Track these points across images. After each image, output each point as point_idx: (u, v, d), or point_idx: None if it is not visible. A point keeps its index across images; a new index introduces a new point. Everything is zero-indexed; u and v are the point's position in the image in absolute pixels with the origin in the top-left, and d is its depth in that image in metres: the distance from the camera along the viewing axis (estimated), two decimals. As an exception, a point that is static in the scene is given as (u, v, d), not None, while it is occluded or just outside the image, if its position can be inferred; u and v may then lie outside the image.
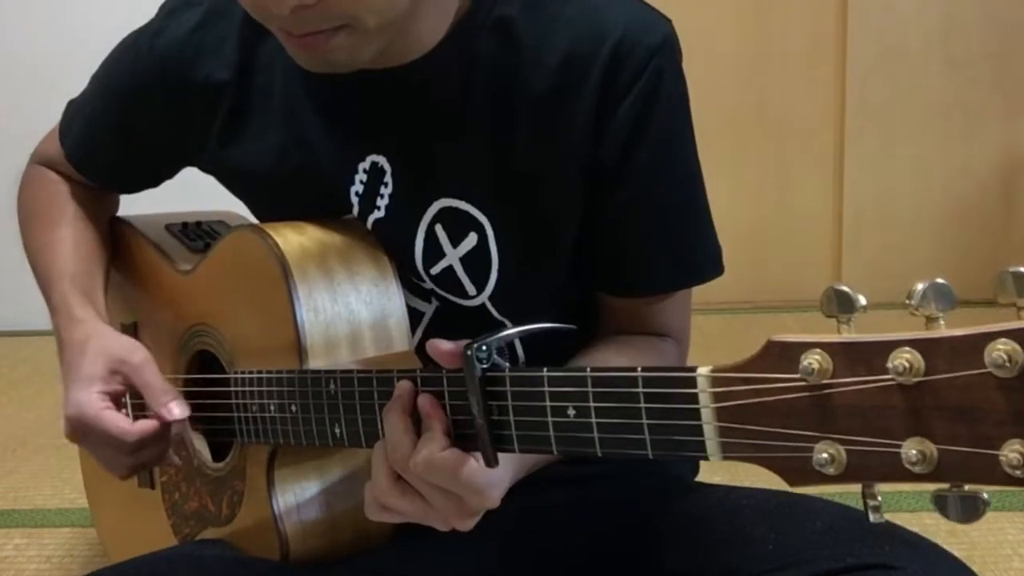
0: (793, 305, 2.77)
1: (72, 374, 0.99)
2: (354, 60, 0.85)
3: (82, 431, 0.98)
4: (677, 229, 0.96)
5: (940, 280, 0.53)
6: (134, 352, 0.99)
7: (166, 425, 0.97)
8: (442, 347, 0.76)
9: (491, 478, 0.76)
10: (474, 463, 0.74)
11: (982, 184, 2.78)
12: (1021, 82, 2.72)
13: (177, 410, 0.96)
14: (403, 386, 0.78)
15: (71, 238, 1.13)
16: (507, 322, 0.97)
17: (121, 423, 0.96)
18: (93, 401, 0.96)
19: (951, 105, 2.74)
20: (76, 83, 1.15)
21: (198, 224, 1.21)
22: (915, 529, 0.85)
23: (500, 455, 0.75)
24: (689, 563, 0.89)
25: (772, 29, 2.75)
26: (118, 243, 1.19)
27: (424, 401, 0.77)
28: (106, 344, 1.00)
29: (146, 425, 0.96)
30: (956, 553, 0.83)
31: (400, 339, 0.94)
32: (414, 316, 0.97)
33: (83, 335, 1.01)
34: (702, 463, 1.12)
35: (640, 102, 0.90)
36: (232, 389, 0.97)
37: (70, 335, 1.02)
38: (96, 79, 1.12)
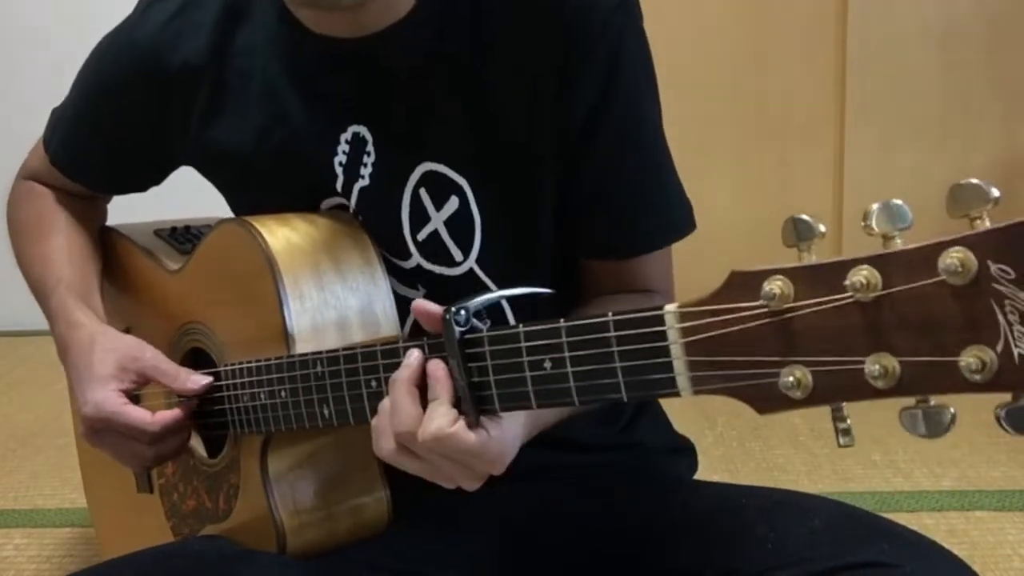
0: (793, 305, 2.77)
1: (83, 376, 0.99)
2: None
3: (102, 430, 0.98)
4: (651, 185, 0.98)
5: (895, 200, 0.55)
6: (142, 348, 1.00)
7: (184, 415, 0.98)
8: (427, 307, 0.77)
9: (501, 448, 0.77)
10: (484, 435, 0.75)
11: (982, 185, 2.78)
12: (1020, 82, 2.72)
13: (201, 380, 0.98)
14: (413, 355, 0.78)
15: (63, 246, 1.13)
16: (494, 287, 0.98)
17: (143, 415, 0.96)
18: (111, 398, 0.97)
19: (951, 105, 2.74)
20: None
21: (187, 228, 1.22)
22: (914, 529, 0.85)
23: (508, 419, 0.76)
24: (689, 562, 0.89)
25: (772, 29, 2.74)
26: (107, 251, 1.20)
27: (435, 367, 0.77)
28: (112, 343, 1.01)
29: (167, 415, 0.97)
30: (956, 553, 0.83)
31: (387, 325, 0.95)
32: (403, 304, 0.97)
33: (87, 337, 1.02)
34: (701, 463, 1.12)
35: (603, 61, 0.92)
36: (223, 382, 0.98)
37: (73, 338, 1.03)
38: (77, 82, 1.13)
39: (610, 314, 0.67)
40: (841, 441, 0.59)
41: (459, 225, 0.96)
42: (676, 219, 0.99)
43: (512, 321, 0.97)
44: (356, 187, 0.98)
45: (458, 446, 0.75)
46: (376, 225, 0.98)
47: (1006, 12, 2.68)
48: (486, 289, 0.96)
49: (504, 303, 0.96)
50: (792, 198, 2.83)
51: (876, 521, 0.86)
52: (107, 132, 1.10)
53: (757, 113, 2.78)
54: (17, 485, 1.92)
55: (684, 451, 1.11)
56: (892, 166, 2.78)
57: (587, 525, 0.98)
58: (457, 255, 0.97)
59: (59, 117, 1.15)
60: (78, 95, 1.12)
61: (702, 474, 1.11)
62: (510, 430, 0.77)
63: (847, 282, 0.55)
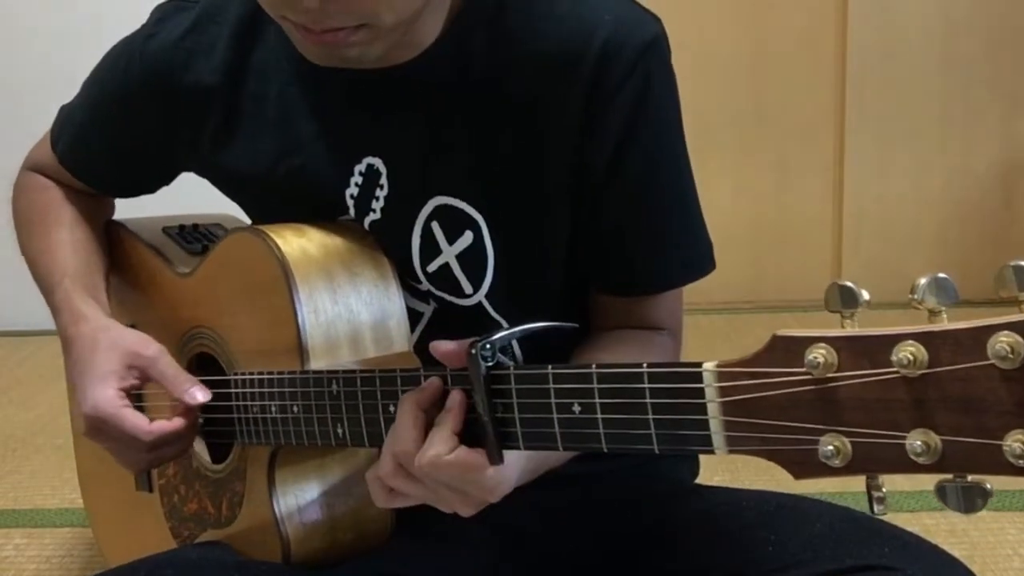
0: (793, 305, 2.77)
1: (86, 370, 0.98)
2: (366, 56, 0.85)
3: (100, 429, 0.97)
4: (673, 226, 0.97)
5: (942, 275, 0.54)
6: (147, 345, 0.99)
7: (185, 422, 0.97)
8: (444, 347, 0.77)
9: (498, 478, 0.76)
10: (480, 465, 0.74)
11: (982, 185, 2.78)
12: (1021, 82, 2.72)
13: (200, 395, 0.96)
14: (430, 380, 0.78)
15: (68, 240, 1.12)
16: (503, 322, 0.98)
17: (140, 422, 0.95)
18: (111, 399, 0.96)
19: (951, 105, 2.74)
20: (75, 86, 1.14)
21: (195, 227, 1.21)
22: (915, 529, 0.86)
23: (507, 453, 0.75)
24: (690, 565, 0.89)
25: (772, 29, 2.74)
26: (114, 246, 1.19)
27: (453, 397, 0.76)
28: (117, 338, 0.99)
29: (164, 425, 0.96)
30: (956, 553, 0.83)
31: (400, 340, 0.95)
32: (413, 316, 0.97)
33: (91, 330, 1.01)
34: (702, 464, 1.12)
35: (631, 101, 0.90)
36: (233, 391, 0.97)
37: (78, 331, 1.02)
38: (87, 85, 1.12)
39: (645, 365, 0.66)
40: (876, 509, 0.58)
41: (471, 259, 0.95)
42: (696, 259, 0.97)
43: (518, 351, 0.98)
44: (367, 220, 0.97)
45: (455, 473, 0.75)
46: (386, 255, 0.97)
47: (1006, 12, 2.69)
48: (493, 322, 0.97)
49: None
50: (791, 198, 2.83)
51: (877, 524, 0.86)
52: (115, 140, 1.09)
53: (757, 114, 2.79)
54: (17, 485, 1.92)
55: (685, 454, 1.11)
56: (892, 166, 2.78)
57: (590, 532, 0.98)
58: (467, 288, 0.96)
59: (67, 117, 1.14)
60: (88, 99, 1.11)
61: (703, 476, 1.11)
62: (510, 461, 0.76)
63: (893, 357, 0.54)
